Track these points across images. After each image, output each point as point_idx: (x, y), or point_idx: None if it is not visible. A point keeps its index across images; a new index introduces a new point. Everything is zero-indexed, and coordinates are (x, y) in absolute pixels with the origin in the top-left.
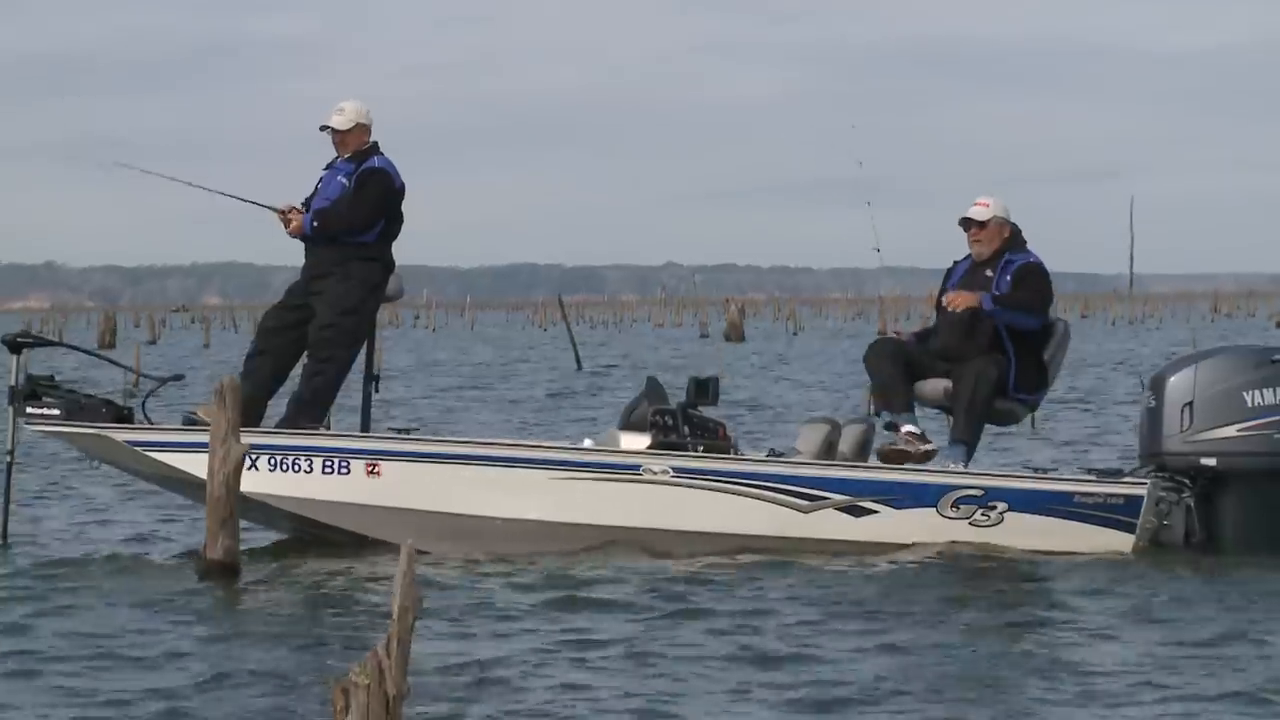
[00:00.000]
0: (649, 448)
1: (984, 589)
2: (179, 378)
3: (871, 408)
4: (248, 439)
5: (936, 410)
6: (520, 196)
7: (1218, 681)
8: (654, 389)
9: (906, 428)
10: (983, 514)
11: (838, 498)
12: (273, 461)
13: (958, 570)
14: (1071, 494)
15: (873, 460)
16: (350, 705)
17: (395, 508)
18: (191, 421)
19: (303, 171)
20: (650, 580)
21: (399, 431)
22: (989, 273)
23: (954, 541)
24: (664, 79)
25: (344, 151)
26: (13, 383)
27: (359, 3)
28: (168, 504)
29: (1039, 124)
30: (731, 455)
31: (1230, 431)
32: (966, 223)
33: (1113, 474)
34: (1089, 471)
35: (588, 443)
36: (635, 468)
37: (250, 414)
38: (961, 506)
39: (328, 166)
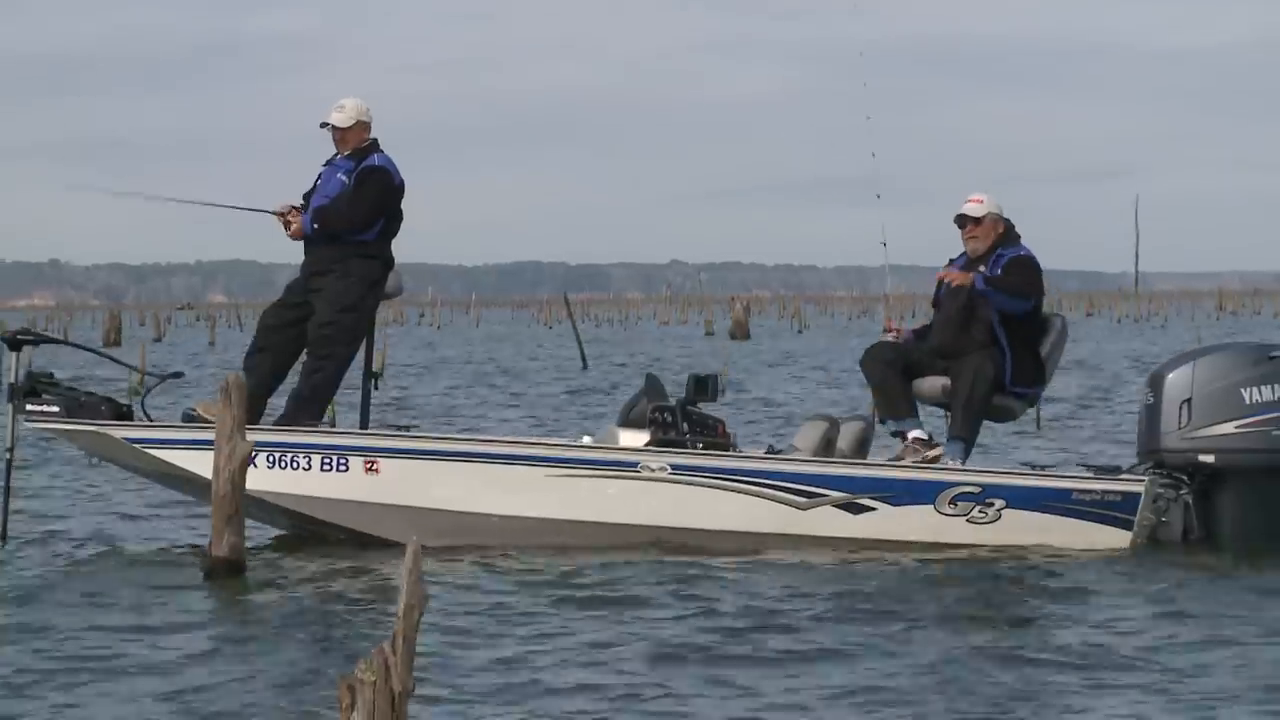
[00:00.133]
0: (648, 445)
1: (981, 586)
2: (178, 375)
3: (876, 416)
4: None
5: (935, 407)
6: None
7: (1216, 678)
8: (653, 386)
9: (913, 433)
10: (980, 511)
11: (836, 495)
12: (271, 459)
13: (955, 567)
14: (1069, 491)
15: (872, 458)
16: (356, 702)
17: (393, 505)
18: (191, 418)
19: (303, 169)
20: (651, 577)
21: (397, 428)
22: (983, 269)
23: (952, 538)
24: (668, 77)
25: (344, 148)
26: (12, 380)
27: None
28: (172, 501)
29: (1043, 123)
30: (730, 452)
31: (1228, 428)
32: (962, 220)
33: (1110, 471)
34: (1086, 468)
35: (586, 440)
36: (633, 465)
37: (250, 411)
38: (959, 503)
39: (327, 163)
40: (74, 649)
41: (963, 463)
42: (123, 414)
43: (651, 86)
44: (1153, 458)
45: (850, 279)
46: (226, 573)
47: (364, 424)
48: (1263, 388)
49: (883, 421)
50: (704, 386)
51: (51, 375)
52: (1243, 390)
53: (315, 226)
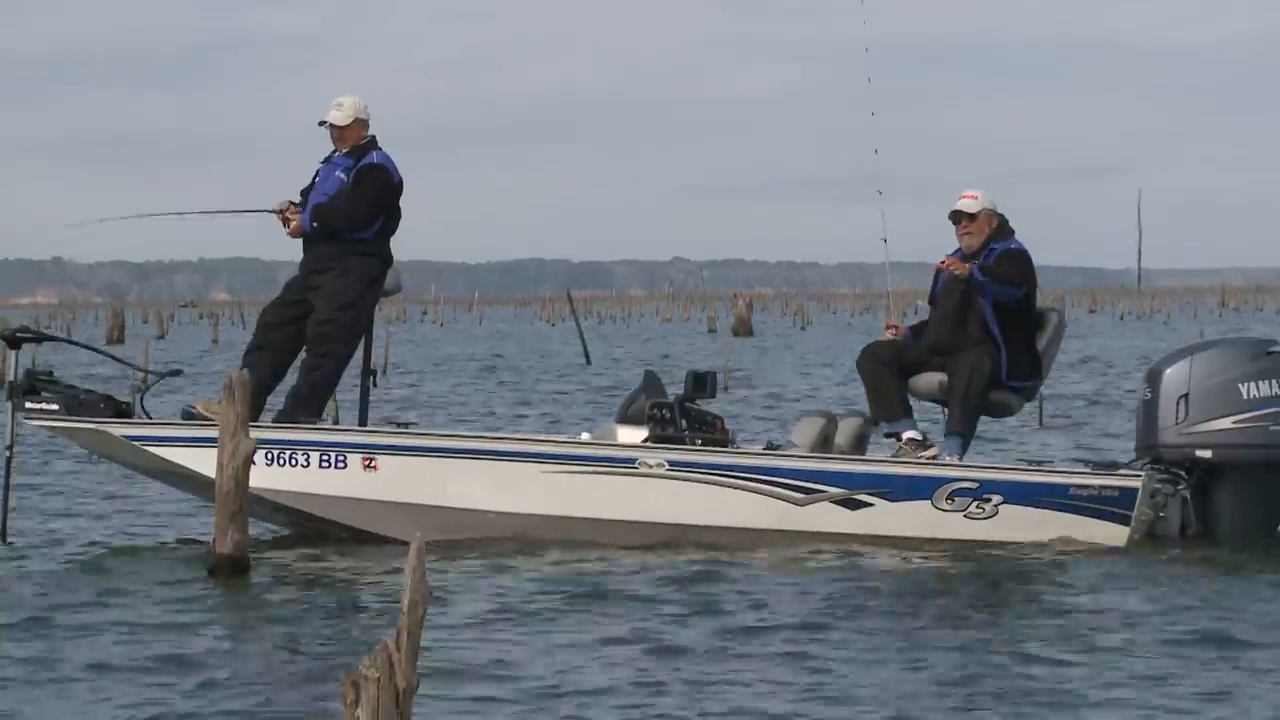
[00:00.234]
0: (646, 441)
1: (978, 581)
2: (177, 373)
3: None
4: None
5: (932, 403)
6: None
7: (1214, 673)
8: (651, 382)
9: (907, 434)
10: (978, 506)
11: (833, 490)
12: (270, 456)
13: (953, 563)
14: (1066, 486)
15: (870, 453)
16: (360, 698)
17: (391, 502)
18: (191, 416)
19: (305, 167)
20: (650, 574)
21: (397, 425)
22: (976, 264)
23: (949, 534)
24: (670, 74)
25: (342, 146)
26: (11, 378)
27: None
28: (176, 498)
29: (1045, 119)
30: (727, 448)
31: (1226, 423)
32: (956, 216)
33: (1107, 466)
34: (1084, 464)
35: (585, 436)
36: (631, 461)
37: (250, 409)
38: (957, 499)
39: (325, 160)
40: (76, 647)
41: (960, 458)
42: (122, 411)
43: (654, 84)
44: (1150, 453)
45: (853, 275)
46: (230, 570)
47: (363, 421)
48: (1260, 383)
49: (877, 423)
50: (702, 383)
51: (51, 373)
52: (1240, 385)
53: (314, 224)
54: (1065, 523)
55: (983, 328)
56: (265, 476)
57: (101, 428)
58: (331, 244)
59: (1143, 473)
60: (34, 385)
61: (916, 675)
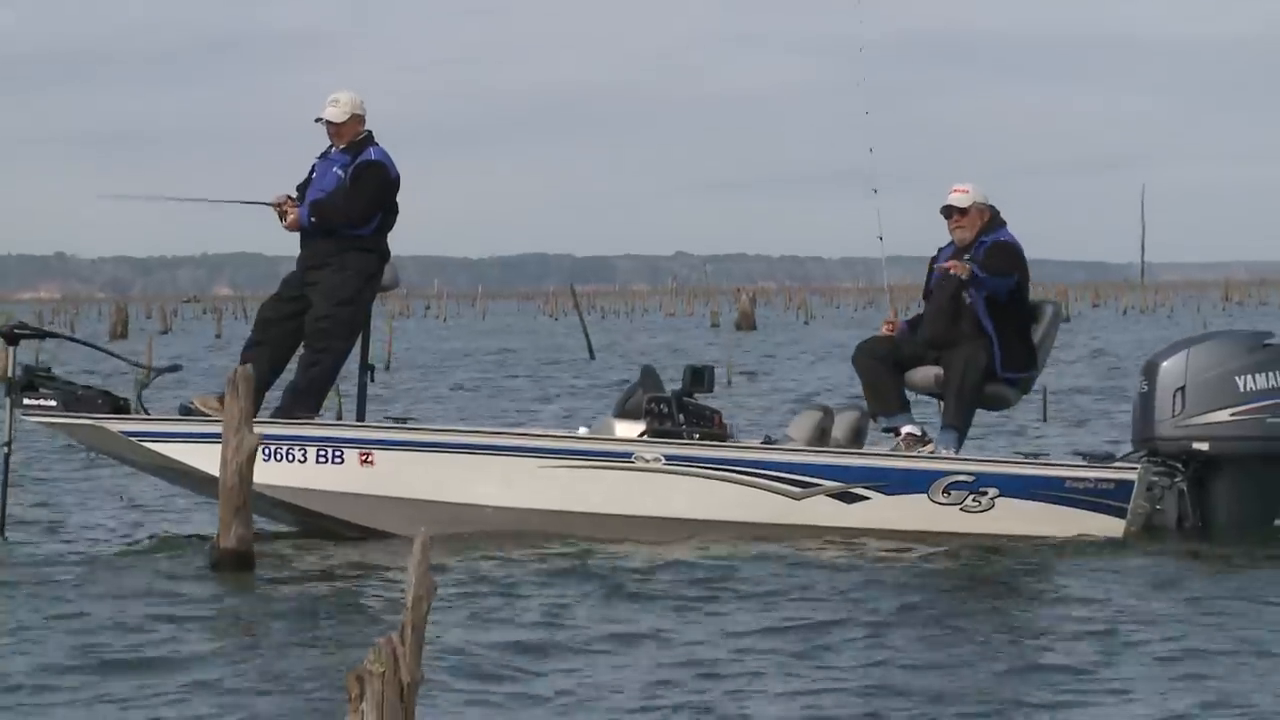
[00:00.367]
0: (644, 435)
1: (974, 575)
2: (175, 368)
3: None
4: None
5: (928, 397)
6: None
7: (1211, 665)
8: (649, 376)
9: (906, 429)
10: (974, 499)
11: (830, 484)
12: (267, 451)
13: (949, 556)
14: (1062, 479)
15: (867, 447)
16: (365, 693)
17: (388, 497)
18: (188, 411)
19: (311, 162)
20: (654, 568)
21: (395, 420)
22: (967, 258)
23: (945, 527)
24: (674, 69)
25: (339, 142)
26: (9, 374)
27: None
28: (178, 493)
29: (1049, 113)
30: (724, 443)
31: (1223, 416)
32: (948, 210)
33: (1103, 459)
34: (1080, 456)
35: (583, 431)
36: (627, 455)
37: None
38: (953, 492)
39: (322, 155)
40: (80, 642)
41: (956, 452)
42: (120, 407)
43: (656, 79)
44: (1147, 446)
45: (856, 270)
46: (234, 565)
47: (360, 416)
48: (1257, 375)
49: (874, 418)
50: (700, 377)
51: (49, 369)
52: (1237, 378)
53: (312, 219)
54: (1061, 515)
55: (975, 322)
56: (262, 472)
57: (99, 423)
58: (329, 240)
59: (1139, 465)
60: (32, 381)
61: (909, 669)
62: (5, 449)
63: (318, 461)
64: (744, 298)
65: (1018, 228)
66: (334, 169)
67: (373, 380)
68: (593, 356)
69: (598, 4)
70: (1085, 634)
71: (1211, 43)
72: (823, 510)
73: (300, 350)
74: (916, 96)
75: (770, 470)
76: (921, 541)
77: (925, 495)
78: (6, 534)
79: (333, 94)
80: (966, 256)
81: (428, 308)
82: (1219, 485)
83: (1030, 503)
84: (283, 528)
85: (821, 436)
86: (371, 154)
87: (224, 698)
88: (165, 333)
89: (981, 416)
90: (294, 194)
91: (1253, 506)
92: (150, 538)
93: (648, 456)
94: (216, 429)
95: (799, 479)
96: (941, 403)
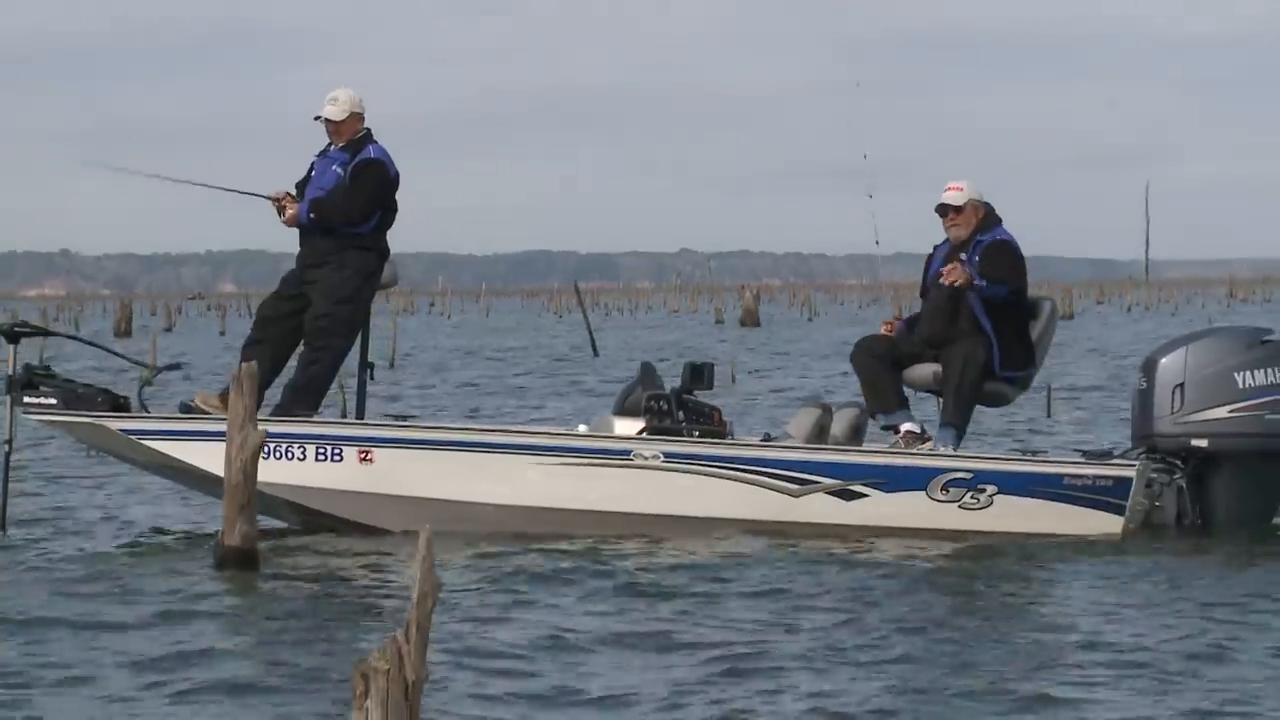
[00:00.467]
0: (643, 432)
1: (972, 572)
2: (175, 366)
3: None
4: None
5: (927, 394)
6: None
7: (1209, 663)
8: (648, 374)
9: (905, 426)
10: (972, 497)
11: (828, 482)
12: (266, 450)
13: (947, 554)
14: (1060, 476)
15: (866, 445)
16: (370, 690)
17: (388, 494)
18: (189, 409)
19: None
20: (654, 566)
21: (394, 418)
22: (963, 256)
23: (944, 525)
24: (678, 66)
25: (338, 140)
26: (10, 372)
27: None
28: (182, 490)
29: (1054, 109)
30: (722, 440)
31: (1222, 413)
32: (943, 209)
33: (1102, 456)
34: (1079, 453)
35: (582, 428)
36: (626, 453)
37: None
38: (951, 490)
39: (321, 154)
40: (84, 639)
41: (955, 449)
42: (120, 405)
43: (661, 75)
44: (1146, 442)
45: (860, 267)
46: (239, 562)
47: (360, 414)
48: (1256, 372)
49: (873, 416)
50: (699, 374)
51: (49, 367)
52: (1236, 375)
53: (312, 216)
54: (1060, 513)
55: (973, 321)
56: (262, 470)
57: (99, 422)
58: (328, 238)
59: (1137, 462)
60: (32, 380)
61: (907, 666)
62: (6, 447)
63: (317, 459)
64: (748, 294)
65: (1023, 224)
66: (333, 167)
67: (372, 378)
68: (596, 354)
69: (604, 1)
70: (1083, 631)
71: (1217, 39)
72: (821, 508)
73: (300, 348)
74: (921, 92)
75: (768, 468)
76: (919, 539)
77: (924, 493)
78: (9, 531)
79: (331, 92)
80: (963, 256)
81: (432, 304)
82: (1218, 482)
83: (1029, 500)
84: (286, 525)
85: (820, 434)
86: (371, 152)
87: (229, 695)
88: (169, 330)
89: (986, 414)
90: (293, 191)
91: (1252, 503)
92: (154, 535)
93: (646, 454)
94: (216, 427)
95: (797, 476)
96: (940, 400)
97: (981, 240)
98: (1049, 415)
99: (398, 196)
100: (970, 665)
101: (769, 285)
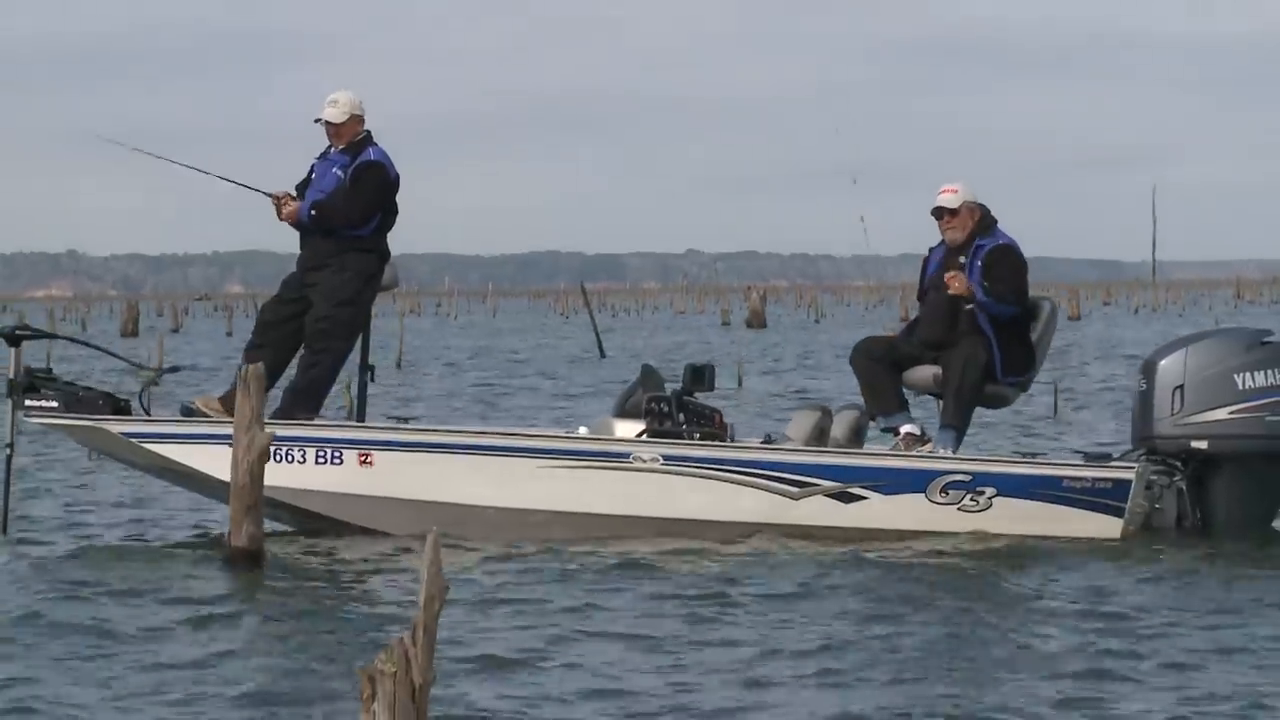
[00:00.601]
0: (643, 435)
1: (972, 574)
2: (175, 369)
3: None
4: None
5: (927, 396)
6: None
7: (1209, 664)
8: (649, 376)
9: (905, 428)
10: (971, 499)
11: (827, 484)
12: None
13: (946, 556)
14: (1060, 478)
15: (866, 447)
16: (377, 693)
17: (388, 497)
18: (190, 412)
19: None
20: (656, 569)
21: (395, 421)
22: (962, 259)
23: (943, 527)
24: (685, 67)
25: (339, 143)
26: (11, 375)
27: None
28: (188, 492)
29: (1061, 110)
30: (721, 443)
31: (1221, 414)
32: (939, 211)
33: (1101, 458)
34: (1078, 455)
35: (583, 431)
36: (625, 456)
37: None
38: (950, 492)
39: (321, 156)
40: (90, 642)
41: (954, 451)
42: (121, 409)
43: (668, 77)
44: (1146, 444)
45: (867, 268)
46: (245, 563)
47: (360, 417)
48: (1255, 373)
49: (873, 418)
50: (700, 376)
51: (50, 370)
52: (1235, 376)
53: (313, 214)
54: (1059, 515)
55: (974, 324)
56: None
57: (100, 425)
58: (329, 240)
59: (1136, 464)
60: (33, 383)
61: (905, 670)
62: (7, 450)
63: (317, 462)
64: (754, 296)
65: (1030, 225)
66: (333, 169)
67: (373, 380)
68: (603, 355)
69: (610, 2)
70: (1083, 634)
71: (1224, 39)
72: (820, 510)
73: (301, 351)
74: (928, 93)
75: (768, 470)
76: (918, 541)
77: (923, 495)
78: (13, 534)
79: (331, 94)
80: (962, 259)
81: (439, 305)
82: (1218, 484)
83: (1028, 502)
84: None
85: (820, 436)
86: (371, 154)
87: (236, 698)
88: (176, 331)
89: (993, 416)
90: (293, 193)
91: (1252, 505)
92: (160, 536)
93: (645, 456)
94: (216, 430)
95: (796, 479)
96: (941, 402)
97: (982, 245)
98: (1054, 415)
99: (398, 198)
100: (969, 668)
101: (775, 286)
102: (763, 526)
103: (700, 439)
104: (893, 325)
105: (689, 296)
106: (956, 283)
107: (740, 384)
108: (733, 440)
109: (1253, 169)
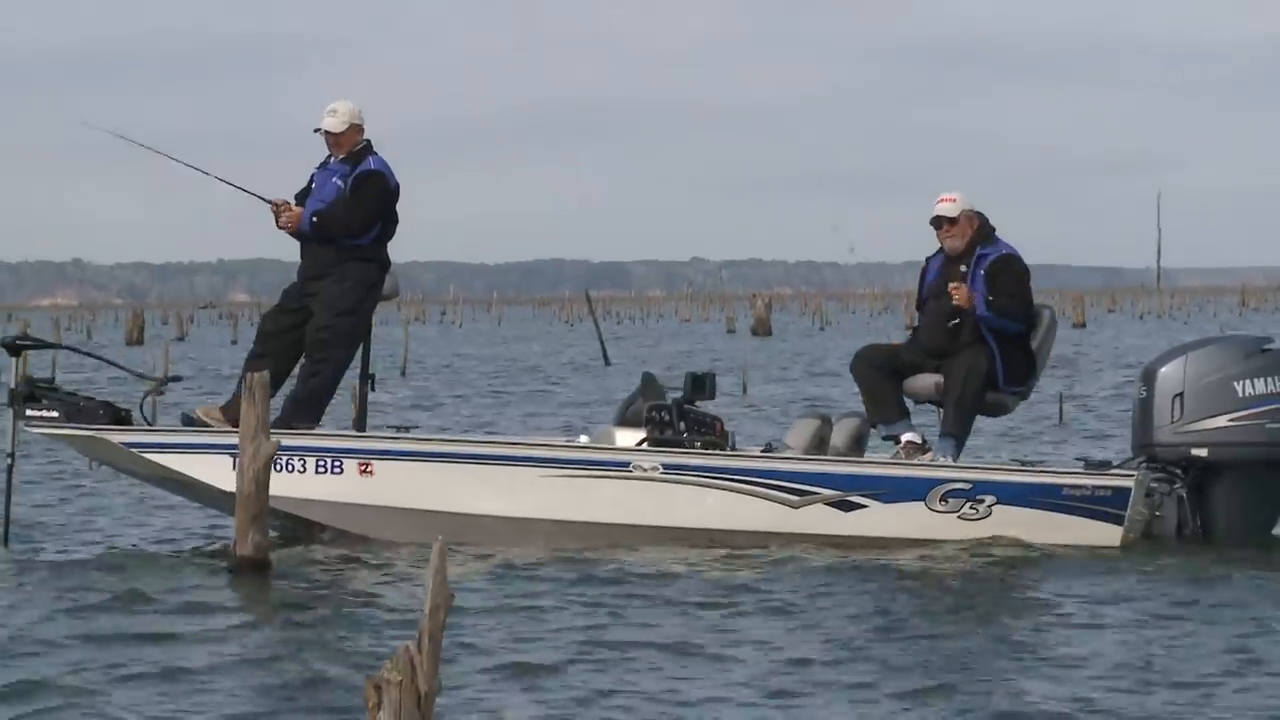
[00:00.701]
0: (644, 443)
1: (972, 583)
2: (175, 379)
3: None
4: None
5: (928, 404)
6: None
7: (1209, 673)
8: (650, 384)
9: (906, 436)
10: (971, 507)
11: (827, 492)
12: None
13: (946, 564)
14: (1059, 487)
15: (866, 455)
16: (383, 701)
17: (389, 507)
18: (191, 422)
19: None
20: (657, 577)
21: (395, 430)
22: (963, 267)
23: (943, 535)
24: (690, 73)
25: (339, 152)
26: (12, 385)
27: None
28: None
29: (1067, 117)
30: (721, 451)
31: (1221, 422)
32: (937, 221)
33: (1101, 466)
34: (1078, 463)
35: (584, 439)
36: (625, 464)
37: None
38: (950, 500)
39: (321, 166)
40: (95, 651)
41: (954, 459)
42: (121, 418)
43: (673, 83)
44: (1146, 452)
45: (872, 275)
46: (251, 572)
47: (360, 426)
48: (1255, 381)
49: (874, 425)
50: (701, 385)
51: (51, 380)
52: (1235, 384)
53: (315, 222)
54: (1059, 523)
55: (975, 332)
56: None
57: (100, 435)
58: (329, 250)
59: (1136, 472)
60: (34, 392)
61: (906, 678)
62: (8, 460)
63: (317, 472)
64: (760, 303)
65: (1034, 232)
66: (333, 179)
67: (374, 389)
68: (608, 363)
69: (614, 7)
70: (1083, 643)
71: (1229, 45)
72: (820, 518)
73: (301, 361)
74: (934, 100)
75: (767, 479)
76: (918, 549)
77: (923, 503)
78: (12, 545)
79: (331, 104)
80: (963, 268)
81: (443, 313)
82: (1218, 492)
83: (1028, 510)
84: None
85: (820, 445)
86: (371, 164)
87: (242, 707)
88: (181, 339)
89: (997, 424)
90: (292, 201)
91: (1253, 513)
92: (164, 545)
93: (645, 465)
94: (216, 440)
95: (796, 487)
96: (941, 410)
97: (985, 254)
98: (1060, 421)
99: (398, 207)
100: (969, 676)
101: (781, 294)
102: (763, 535)
103: (701, 448)
104: (900, 335)
105: (694, 304)
106: (960, 294)
107: (745, 391)
108: (733, 449)
109: (1258, 175)
